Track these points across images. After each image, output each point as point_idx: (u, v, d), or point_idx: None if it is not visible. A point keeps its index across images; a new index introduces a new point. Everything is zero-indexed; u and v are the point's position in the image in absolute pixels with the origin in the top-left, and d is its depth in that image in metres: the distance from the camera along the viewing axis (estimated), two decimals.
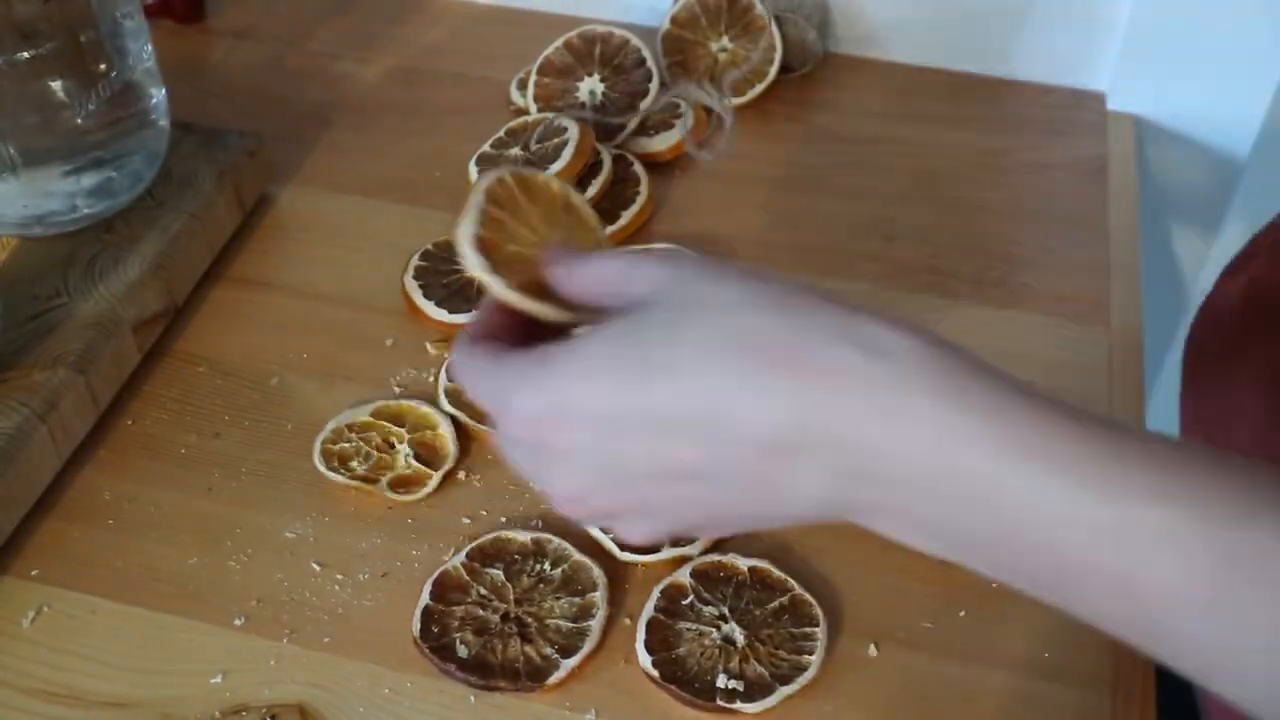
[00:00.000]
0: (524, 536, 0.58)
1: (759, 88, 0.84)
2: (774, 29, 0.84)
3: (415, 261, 0.72)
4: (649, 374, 0.36)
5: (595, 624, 0.55)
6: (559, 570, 0.57)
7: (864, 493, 0.35)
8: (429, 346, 0.68)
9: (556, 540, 0.58)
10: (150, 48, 0.69)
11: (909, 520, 0.36)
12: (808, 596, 0.56)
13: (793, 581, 0.57)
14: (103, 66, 0.65)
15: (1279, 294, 0.63)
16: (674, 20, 0.86)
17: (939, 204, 0.78)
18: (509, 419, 0.39)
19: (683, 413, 0.36)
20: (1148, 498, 0.32)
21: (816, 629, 0.55)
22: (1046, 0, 0.85)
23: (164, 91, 0.70)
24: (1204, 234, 0.92)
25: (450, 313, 0.69)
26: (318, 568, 0.58)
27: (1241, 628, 0.32)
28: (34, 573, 0.58)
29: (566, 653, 0.54)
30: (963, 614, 0.57)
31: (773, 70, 0.84)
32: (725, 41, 0.85)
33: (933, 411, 0.33)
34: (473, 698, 0.53)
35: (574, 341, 0.38)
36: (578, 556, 0.57)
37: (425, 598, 0.56)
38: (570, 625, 0.55)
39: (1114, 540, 0.32)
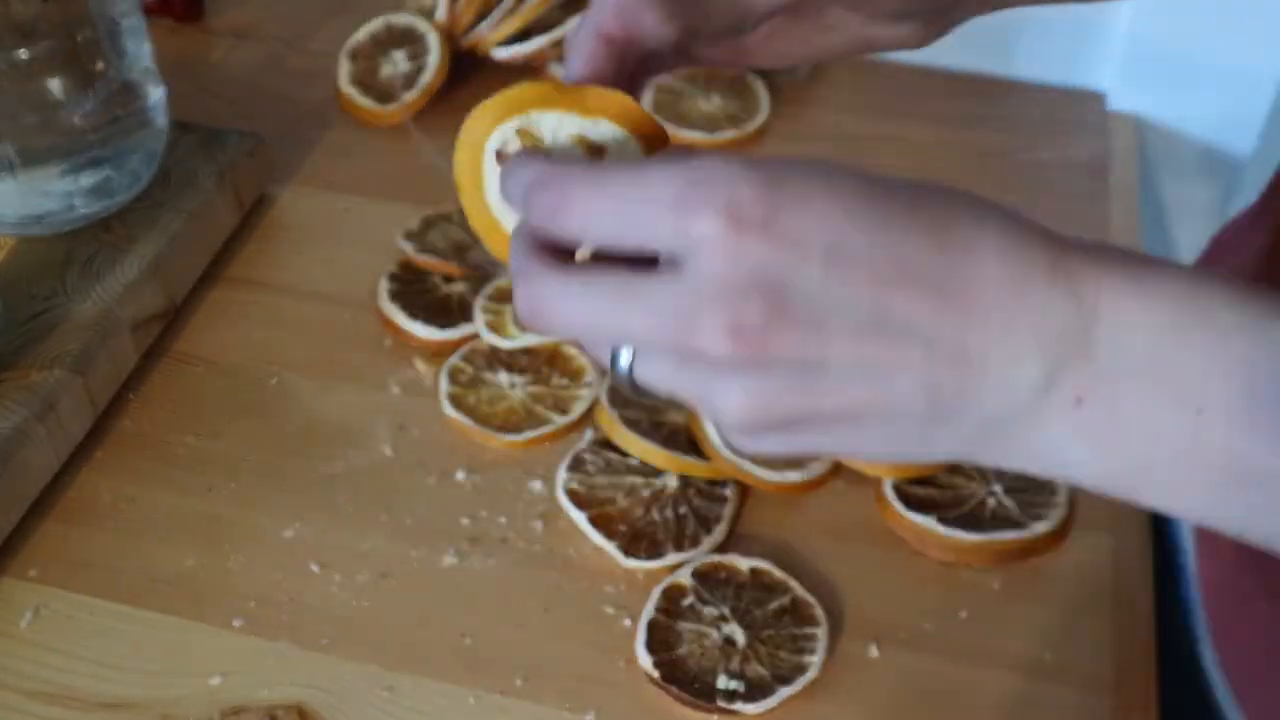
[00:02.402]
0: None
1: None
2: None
3: (385, 285, 0.70)
4: (897, 203, 0.32)
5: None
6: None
7: (1076, 378, 0.31)
8: (417, 363, 0.68)
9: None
10: (149, 47, 0.69)
11: (1113, 412, 0.31)
12: (808, 597, 0.56)
13: (793, 582, 0.57)
14: (101, 66, 0.65)
15: None
16: None
17: None
18: (729, 198, 0.31)
19: (925, 254, 0.31)
20: None
21: (817, 629, 0.55)
22: None
23: (163, 91, 0.70)
24: (1204, 234, 0.92)
25: (440, 329, 0.67)
26: (317, 568, 0.58)
27: None
28: (32, 573, 0.58)
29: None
30: (963, 614, 0.57)
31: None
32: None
33: (1176, 282, 0.31)
34: (472, 699, 0.53)
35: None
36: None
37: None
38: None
39: None
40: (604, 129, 0.38)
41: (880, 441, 0.33)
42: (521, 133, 0.38)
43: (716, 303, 0.31)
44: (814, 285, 0.31)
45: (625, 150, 0.38)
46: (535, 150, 0.37)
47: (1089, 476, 0.32)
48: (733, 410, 0.33)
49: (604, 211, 0.33)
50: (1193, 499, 0.32)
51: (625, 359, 0.34)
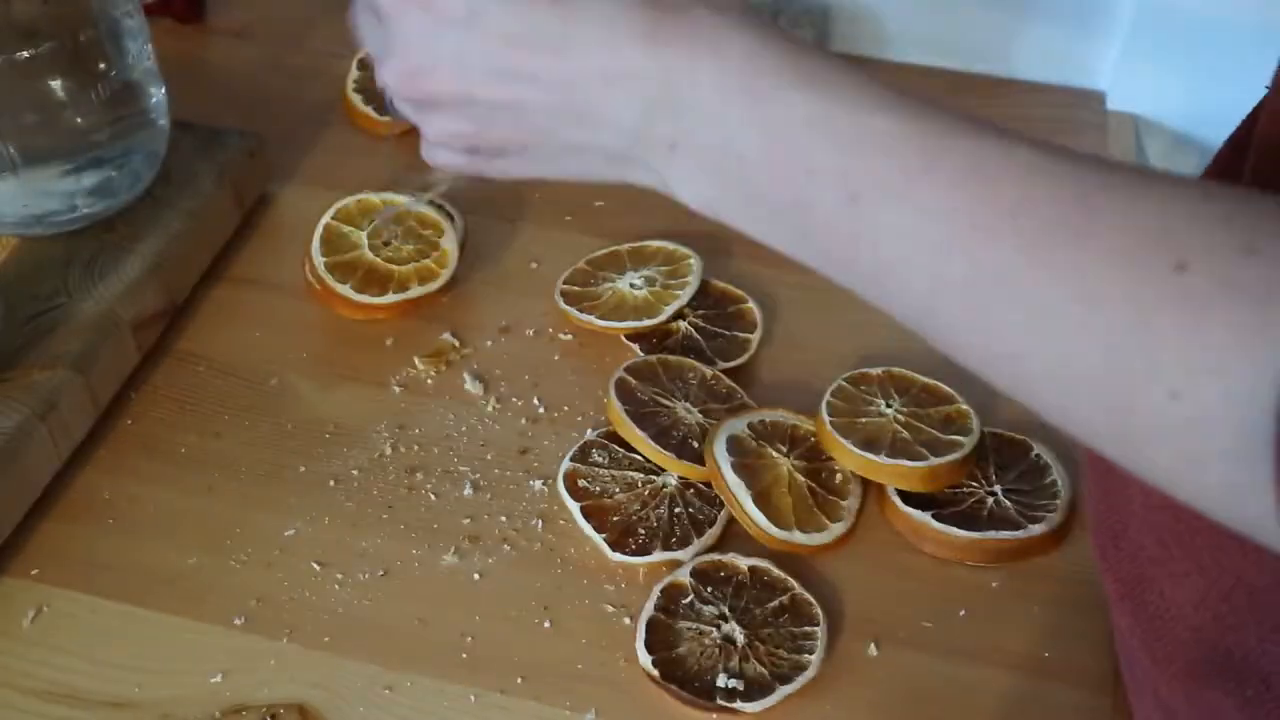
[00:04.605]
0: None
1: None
2: None
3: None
4: None
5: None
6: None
7: (667, 125, 0.39)
8: (417, 361, 0.68)
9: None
10: (150, 47, 0.69)
11: (695, 155, 0.39)
12: (808, 596, 0.56)
13: (793, 581, 0.57)
14: (102, 66, 0.65)
15: None
16: None
17: None
18: None
19: (547, 21, 0.39)
20: (880, 107, 0.36)
21: (816, 628, 0.55)
22: (1046, 0, 0.85)
23: (164, 91, 0.70)
24: None
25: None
26: (318, 567, 0.58)
27: (940, 220, 0.34)
28: (34, 572, 0.58)
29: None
30: (963, 614, 0.57)
31: None
32: None
33: (745, 50, 0.37)
34: (473, 697, 0.53)
35: None
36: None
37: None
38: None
39: (840, 140, 0.36)
40: None
41: (550, 165, 0.43)
42: None
43: (393, 52, 0.43)
44: (457, 43, 0.41)
45: None
46: None
47: (691, 205, 0.40)
48: (432, 134, 0.45)
49: None
50: (763, 235, 0.39)
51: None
